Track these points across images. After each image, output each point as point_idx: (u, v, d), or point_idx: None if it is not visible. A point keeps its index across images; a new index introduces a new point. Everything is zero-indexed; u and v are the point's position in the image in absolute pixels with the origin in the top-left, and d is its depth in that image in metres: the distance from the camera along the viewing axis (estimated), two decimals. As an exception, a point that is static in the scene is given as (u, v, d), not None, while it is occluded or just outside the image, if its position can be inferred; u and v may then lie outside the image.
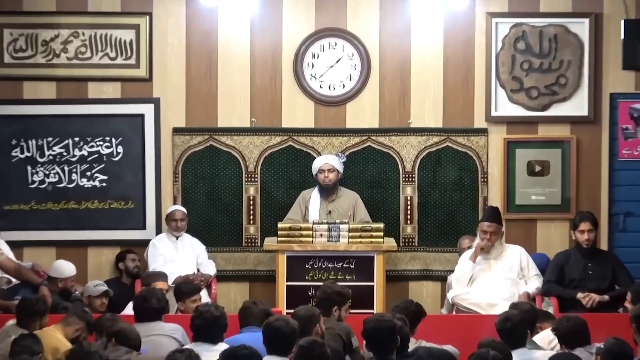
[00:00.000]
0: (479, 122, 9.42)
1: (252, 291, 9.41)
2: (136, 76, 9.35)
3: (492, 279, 8.33)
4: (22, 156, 9.37)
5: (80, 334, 6.43)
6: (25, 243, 9.28)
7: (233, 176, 9.40)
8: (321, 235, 8.55)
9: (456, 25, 9.36)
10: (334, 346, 5.96)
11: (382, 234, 8.59)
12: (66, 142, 9.38)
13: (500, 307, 7.63)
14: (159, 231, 9.31)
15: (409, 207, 9.41)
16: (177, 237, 9.10)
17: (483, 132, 9.40)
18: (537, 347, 6.29)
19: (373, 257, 8.54)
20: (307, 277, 8.52)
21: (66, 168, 9.39)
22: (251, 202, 9.41)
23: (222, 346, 5.83)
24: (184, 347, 5.95)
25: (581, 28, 9.34)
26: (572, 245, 8.68)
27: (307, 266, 8.53)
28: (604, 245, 9.24)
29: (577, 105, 9.39)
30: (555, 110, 9.41)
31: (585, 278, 8.27)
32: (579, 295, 8.13)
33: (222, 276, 9.29)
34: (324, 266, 8.53)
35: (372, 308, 8.35)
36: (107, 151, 9.40)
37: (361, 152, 9.40)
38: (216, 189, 9.41)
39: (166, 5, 9.35)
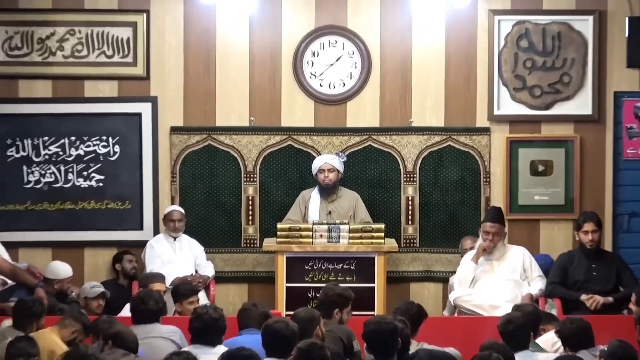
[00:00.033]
0: (481, 121, 9.42)
1: (251, 293, 9.41)
2: (133, 74, 9.35)
3: (494, 281, 8.34)
4: (18, 156, 9.37)
5: (76, 336, 6.44)
6: (20, 244, 9.28)
7: (232, 176, 9.41)
8: (321, 236, 8.55)
9: (458, 23, 9.37)
10: (334, 349, 5.96)
11: (382, 234, 8.59)
12: (62, 141, 9.38)
13: (503, 308, 7.64)
14: (156, 232, 9.31)
15: (410, 207, 9.41)
16: (175, 238, 9.10)
17: (485, 131, 9.41)
18: (541, 350, 6.29)
19: (374, 258, 8.54)
20: (306, 279, 8.52)
21: (62, 168, 9.39)
22: (250, 203, 9.41)
23: (221, 349, 5.84)
24: (182, 349, 5.95)
25: (585, 26, 9.35)
26: (576, 246, 8.68)
27: (306, 267, 8.54)
28: (608, 246, 9.24)
29: (581, 104, 9.39)
30: (559, 109, 9.42)
31: (589, 279, 8.27)
32: (583, 297, 8.13)
33: (221, 277, 9.29)
34: (323, 267, 8.53)
35: (373, 310, 8.35)
36: (103, 150, 9.40)
37: (362, 152, 9.40)
38: (214, 189, 9.41)
39: (164, 2, 9.35)
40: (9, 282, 8.04)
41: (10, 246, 8.81)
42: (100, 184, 9.39)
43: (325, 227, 8.56)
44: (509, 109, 9.40)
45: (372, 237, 8.56)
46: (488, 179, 9.42)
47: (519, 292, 8.29)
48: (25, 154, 9.36)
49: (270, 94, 9.40)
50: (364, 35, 9.39)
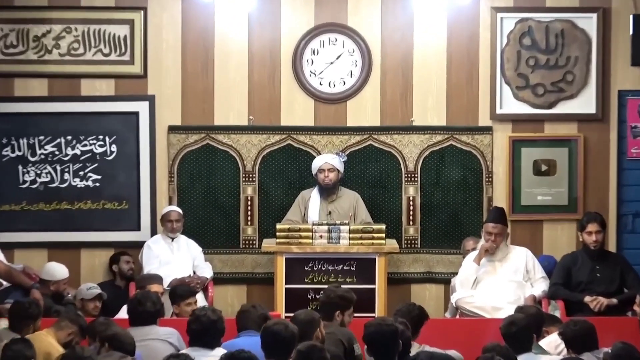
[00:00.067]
0: (484, 120, 9.43)
1: (249, 294, 9.42)
2: (130, 73, 9.35)
3: (497, 282, 8.34)
4: (13, 155, 9.37)
5: (72, 339, 6.45)
6: (16, 245, 9.28)
7: (230, 176, 9.41)
8: (321, 236, 8.55)
9: (460, 21, 9.37)
10: (334, 351, 5.96)
11: (383, 235, 8.59)
12: (58, 140, 9.38)
13: (506, 310, 7.64)
14: (154, 232, 9.31)
15: (411, 207, 9.42)
16: (173, 239, 9.10)
17: (488, 130, 9.41)
18: (544, 352, 6.30)
19: (374, 259, 8.54)
20: (306, 280, 8.53)
21: (58, 167, 9.39)
22: (249, 203, 9.42)
23: (220, 351, 5.85)
24: (180, 352, 5.96)
25: (589, 23, 9.35)
26: (580, 247, 8.69)
27: (306, 268, 8.54)
28: (612, 247, 9.25)
29: (585, 103, 9.40)
30: (562, 108, 9.42)
31: (593, 281, 8.28)
32: (587, 298, 8.14)
33: (219, 279, 9.30)
34: (323, 268, 8.54)
35: (374, 312, 8.36)
36: (100, 150, 9.40)
37: (362, 151, 9.41)
38: (213, 189, 9.42)
39: (161, 0, 9.36)
40: (4, 283, 8.04)
41: (5, 247, 8.81)
42: (97, 184, 9.40)
43: (325, 227, 8.57)
44: (511, 107, 9.40)
45: (373, 238, 8.56)
46: (490, 179, 9.42)
47: (522, 293, 8.30)
48: (20, 153, 9.37)
49: (269, 93, 9.40)
50: (365, 33, 9.39)
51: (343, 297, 6.65)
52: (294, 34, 9.39)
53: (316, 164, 9.11)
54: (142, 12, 9.31)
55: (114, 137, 9.38)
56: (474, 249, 8.65)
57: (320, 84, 9.42)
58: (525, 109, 9.40)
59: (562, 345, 6.35)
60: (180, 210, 9.15)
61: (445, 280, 9.31)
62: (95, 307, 8.31)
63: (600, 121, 9.41)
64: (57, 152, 9.38)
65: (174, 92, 9.38)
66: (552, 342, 6.60)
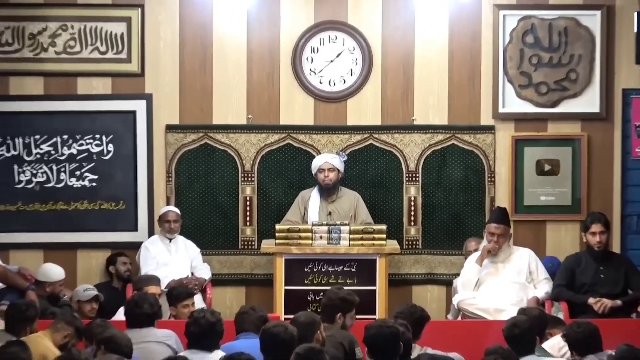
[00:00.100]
0: (486, 119, 9.43)
1: (248, 296, 9.42)
2: (127, 71, 9.36)
3: (499, 283, 8.34)
4: (8, 155, 9.37)
5: (69, 341, 6.44)
6: (11, 245, 9.29)
7: (229, 176, 9.41)
8: (321, 237, 8.56)
9: (462, 18, 9.37)
10: (334, 353, 5.96)
11: (384, 236, 8.59)
12: (54, 140, 9.38)
13: (508, 312, 7.64)
14: (151, 233, 9.31)
15: (412, 208, 9.42)
16: (171, 240, 9.10)
17: (490, 129, 9.41)
18: (547, 355, 6.30)
19: (375, 260, 8.54)
20: (306, 281, 8.53)
21: (54, 167, 9.39)
22: (248, 203, 9.42)
23: (218, 354, 5.84)
24: (178, 354, 5.96)
25: (592, 21, 9.35)
26: (583, 248, 8.69)
27: (306, 270, 8.54)
28: (616, 247, 9.25)
29: (588, 102, 9.40)
30: (566, 107, 9.43)
31: (597, 282, 8.28)
32: (590, 300, 8.14)
33: (218, 280, 9.30)
34: (323, 270, 8.54)
35: (374, 314, 8.36)
36: (97, 149, 9.40)
37: (363, 151, 9.41)
38: (211, 189, 9.42)
39: (159, -3, 9.38)
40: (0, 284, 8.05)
41: (0, 248, 8.83)
42: (94, 184, 9.40)
43: (325, 228, 8.57)
44: (514, 106, 9.40)
45: (374, 239, 8.56)
46: (493, 179, 9.42)
47: (525, 295, 8.30)
48: (16, 152, 9.37)
49: (268, 91, 9.40)
50: (365, 30, 9.39)
51: (345, 299, 6.63)
52: (293, 31, 9.39)
53: (316, 163, 9.11)
54: (139, 9, 9.31)
55: (111, 136, 9.38)
56: (476, 250, 8.65)
57: (320, 83, 9.42)
58: (528, 107, 9.40)
59: (566, 348, 6.35)
60: (178, 211, 9.15)
61: (447, 282, 9.31)
62: (91, 308, 8.32)
63: (604, 120, 9.41)
64: (53, 152, 9.38)
65: (171, 91, 9.38)
66: (555, 344, 6.60)
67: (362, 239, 8.55)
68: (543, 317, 6.75)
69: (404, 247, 9.31)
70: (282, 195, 9.37)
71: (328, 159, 9.07)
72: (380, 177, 9.41)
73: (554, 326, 6.89)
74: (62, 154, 9.38)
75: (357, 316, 6.81)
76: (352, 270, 8.53)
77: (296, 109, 9.42)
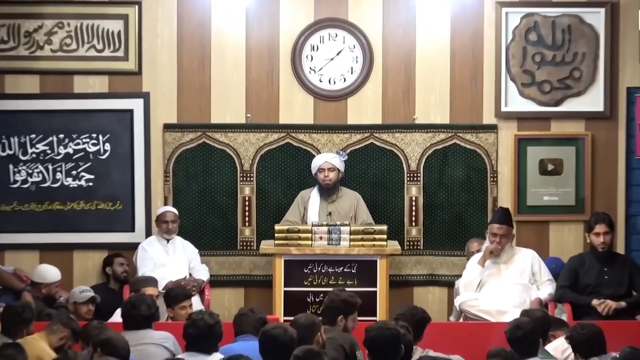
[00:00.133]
0: (488, 118, 9.43)
1: (247, 297, 9.42)
2: (125, 69, 9.35)
3: (502, 285, 8.34)
4: (4, 154, 9.37)
5: (65, 343, 6.44)
6: (6, 246, 9.29)
7: (227, 175, 9.41)
8: (321, 238, 8.55)
9: (464, 16, 9.37)
10: (334, 356, 5.95)
11: (385, 236, 8.59)
12: (50, 139, 9.38)
13: (511, 314, 7.64)
14: (148, 234, 9.31)
15: (413, 208, 9.42)
16: (168, 240, 9.10)
17: (492, 128, 9.41)
18: (550, 357, 6.29)
19: (376, 261, 8.54)
20: (305, 283, 8.53)
21: (50, 167, 9.39)
22: (246, 203, 9.42)
23: (217, 356, 5.85)
24: (176, 357, 5.96)
25: (596, 18, 9.35)
26: (587, 249, 8.70)
27: (305, 271, 8.54)
28: (620, 248, 9.25)
29: (592, 100, 9.40)
30: (569, 106, 9.42)
31: (601, 283, 8.28)
32: (594, 301, 8.14)
33: (216, 281, 9.30)
34: (323, 271, 8.54)
35: (375, 315, 8.36)
36: (93, 149, 9.40)
37: (363, 150, 9.41)
38: (209, 189, 9.42)
39: (156, -6, 9.38)
40: (-5, 286, 8.06)
41: (-4, 249, 8.83)
42: (90, 184, 9.40)
43: (325, 228, 8.57)
44: (517, 105, 9.40)
45: (374, 239, 8.56)
46: (495, 179, 9.42)
47: (528, 296, 8.30)
48: (11, 152, 9.37)
49: (267, 90, 9.40)
50: (366, 28, 9.39)
51: (347, 301, 6.61)
52: (293, 29, 9.39)
53: (316, 163, 9.11)
54: (136, 6, 9.31)
55: (108, 135, 9.38)
56: (478, 251, 8.66)
57: (320, 81, 9.42)
58: (531, 106, 9.40)
59: (569, 350, 6.35)
60: (175, 211, 9.15)
61: (448, 283, 9.31)
62: (88, 310, 8.32)
63: (609, 119, 9.41)
64: (49, 151, 9.38)
65: (169, 89, 9.38)
66: (558, 346, 6.60)
67: (362, 239, 8.55)
68: (546, 318, 6.75)
69: (405, 248, 9.31)
70: (281, 195, 9.37)
71: (328, 159, 9.07)
72: (381, 177, 9.41)
73: (558, 328, 6.89)
74: (58, 154, 9.38)
75: (358, 318, 6.80)
76: (353, 271, 8.53)
77: (296, 107, 9.42)
